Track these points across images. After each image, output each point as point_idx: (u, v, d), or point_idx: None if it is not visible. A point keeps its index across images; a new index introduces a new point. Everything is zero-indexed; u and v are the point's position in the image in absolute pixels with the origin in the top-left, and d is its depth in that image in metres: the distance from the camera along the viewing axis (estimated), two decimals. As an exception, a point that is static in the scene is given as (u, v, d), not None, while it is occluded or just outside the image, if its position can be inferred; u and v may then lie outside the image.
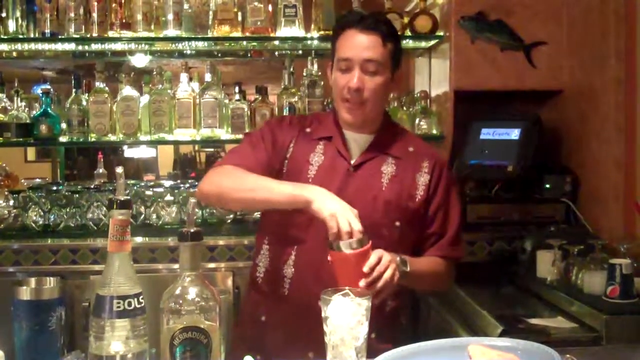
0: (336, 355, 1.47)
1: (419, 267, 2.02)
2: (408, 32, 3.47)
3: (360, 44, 2.03)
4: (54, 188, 3.53)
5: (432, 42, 3.58)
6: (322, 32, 3.42)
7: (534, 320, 2.31)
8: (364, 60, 2.03)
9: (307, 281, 2.01)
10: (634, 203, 2.73)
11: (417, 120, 3.54)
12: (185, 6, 3.35)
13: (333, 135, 2.14)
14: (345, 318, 1.46)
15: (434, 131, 3.52)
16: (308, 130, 2.18)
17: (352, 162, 2.11)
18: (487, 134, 3.33)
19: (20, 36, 3.38)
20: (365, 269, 1.79)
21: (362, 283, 1.76)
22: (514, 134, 3.23)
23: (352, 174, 2.08)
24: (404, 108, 3.64)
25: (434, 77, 3.69)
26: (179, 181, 4.03)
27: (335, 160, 2.10)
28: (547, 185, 3.26)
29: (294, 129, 2.18)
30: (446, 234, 2.19)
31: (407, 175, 2.12)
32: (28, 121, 3.37)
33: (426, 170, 2.14)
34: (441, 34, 3.45)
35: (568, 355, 1.62)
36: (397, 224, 2.07)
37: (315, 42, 3.49)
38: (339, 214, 1.78)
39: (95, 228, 3.28)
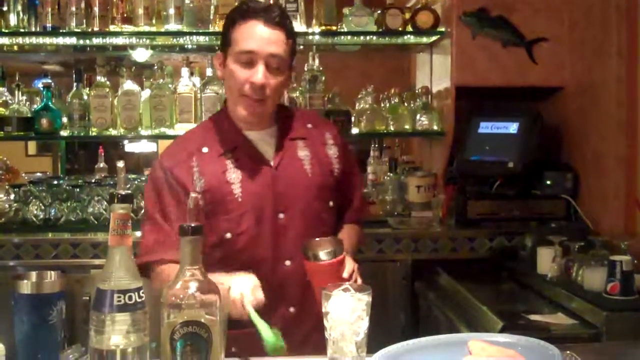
0: (336, 351, 1.47)
1: (353, 246, 2.04)
2: (409, 28, 3.47)
3: (265, 38, 1.89)
4: (55, 182, 3.53)
5: (434, 38, 3.58)
6: (323, 28, 3.42)
7: (534, 317, 2.32)
8: (269, 54, 1.89)
9: (272, 295, 1.88)
10: (634, 200, 2.73)
11: (417, 116, 3.54)
12: (187, 0, 3.34)
13: (238, 145, 1.98)
14: (346, 313, 1.46)
15: (435, 127, 3.51)
16: (205, 150, 1.98)
17: (272, 163, 1.98)
18: (486, 127, 3.33)
19: (22, 30, 3.38)
20: (345, 274, 1.79)
21: None
22: (512, 127, 3.23)
23: (277, 175, 1.97)
24: (405, 104, 3.64)
25: (435, 73, 3.68)
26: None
27: (254, 169, 1.96)
28: (548, 182, 3.26)
29: (186, 161, 1.96)
30: (355, 198, 2.18)
31: (319, 152, 2.05)
32: (29, 115, 3.37)
33: (331, 142, 2.09)
34: (442, 29, 3.45)
35: (568, 352, 1.62)
36: (331, 203, 2.04)
37: (317, 37, 3.49)
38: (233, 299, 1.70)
39: (96, 222, 3.28)
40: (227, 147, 1.97)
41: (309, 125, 2.09)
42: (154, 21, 3.37)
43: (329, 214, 2.02)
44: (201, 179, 1.93)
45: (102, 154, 4.27)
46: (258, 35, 1.89)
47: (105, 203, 3.29)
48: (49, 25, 3.33)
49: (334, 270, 1.79)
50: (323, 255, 1.78)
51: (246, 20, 1.91)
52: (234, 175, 1.94)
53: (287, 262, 1.94)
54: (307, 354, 1.87)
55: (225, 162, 1.96)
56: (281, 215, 1.95)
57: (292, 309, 1.97)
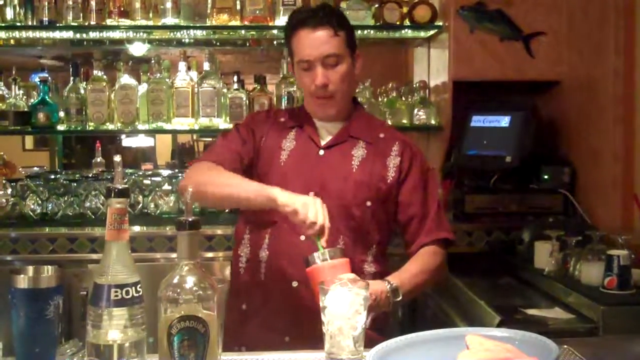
0: (334, 345, 1.47)
1: (412, 281, 2.03)
2: (407, 22, 3.47)
3: (315, 43, 2.06)
4: (52, 177, 3.53)
5: (431, 32, 3.57)
6: (321, 22, 3.41)
7: (531, 311, 2.32)
8: (322, 57, 2.07)
9: (280, 263, 2.05)
10: (633, 195, 2.73)
11: (415, 111, 3.54)
12: (184, -6, 3.34)
13: (304, 123, 2.20)
14: (343, 308, 1.46)
15: (433, 121, 3.51)
16: (282, 119, 2.24)
17: (322, 144, 2.16)
18: (478, 121, 3.33)
19: (18, 24, 3.37)
20: None
21: None
22: (504, 121, 3.23)
23: (322, 157, 2.14)
24: (403, 98, 3.64)
25: (433, 67, 3.68)
26: (176, 170, 4.02)
27: (306, 145, 2.16)
28: (546, 176, 3.26)
29: (269, 121, 2.24)
30: (429, 215, 2.17)
31: (378, 158, 2.15)
32: (26, 109, 3.36)
33: (396, 153, 2.17)
34: (440, 23, 3.44)
35: (565, 346, 1.62)
36: (369, 204, 2.10)
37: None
38: (302, 206, 1.82)
39: (93, 217, 3.28)
40: (295, 122, 2.21)
41: (381, 135, 2.22)
42: (151, 15, 3.36)
43: (362, 211, 2.10)
44: (265, 138, 2.18)
45: (99, 148, 4.26)
46: (308, 43, 2.07)
47: (103, 197, 3.29)
48: (45, 19, 3.32)
49: (327, 274, 1.74)
50: (315, 257, 1.78)
51: (297, 31, 2.10)
52: (288, 144, 2.16)
53: (302, 237, 1.97)
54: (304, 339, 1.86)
55: (288, 133, 2.19)
56: (311, 194, 2.01)
57: (295, 284, 2.03)
